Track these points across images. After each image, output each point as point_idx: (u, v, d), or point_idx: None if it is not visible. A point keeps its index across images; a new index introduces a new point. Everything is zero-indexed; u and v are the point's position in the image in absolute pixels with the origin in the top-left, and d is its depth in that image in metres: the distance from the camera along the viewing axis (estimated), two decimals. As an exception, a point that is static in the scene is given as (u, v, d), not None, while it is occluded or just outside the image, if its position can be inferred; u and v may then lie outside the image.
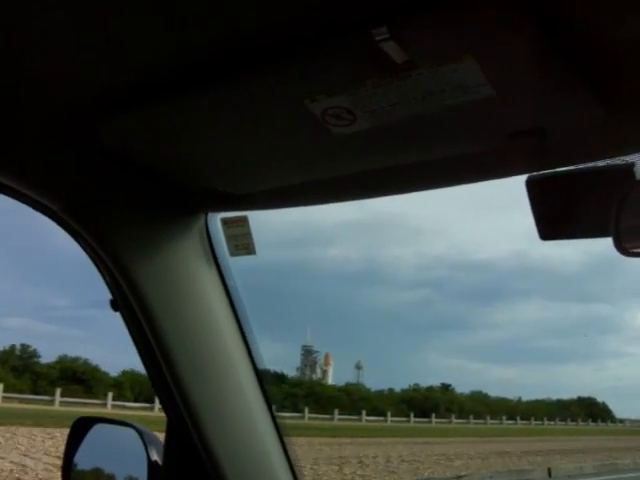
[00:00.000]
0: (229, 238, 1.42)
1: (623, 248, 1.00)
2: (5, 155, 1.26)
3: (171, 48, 0.99)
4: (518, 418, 58.32)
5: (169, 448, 1.57)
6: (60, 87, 1.12)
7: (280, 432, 1.60)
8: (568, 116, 0.98)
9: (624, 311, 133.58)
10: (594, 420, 66.46)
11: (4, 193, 1.33)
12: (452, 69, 0.88)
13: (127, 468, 1.67)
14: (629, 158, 1.04)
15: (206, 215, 1.45)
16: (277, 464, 1.59)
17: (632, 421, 71.69)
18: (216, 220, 1.44)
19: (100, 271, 1.45)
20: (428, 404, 56.81)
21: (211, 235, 1.46)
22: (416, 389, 65.12)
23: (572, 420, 63.80)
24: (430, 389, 65.81)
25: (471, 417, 55.89)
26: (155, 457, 1.58)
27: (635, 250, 1.01)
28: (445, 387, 67.76)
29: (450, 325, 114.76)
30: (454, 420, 54.34)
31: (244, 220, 1.41)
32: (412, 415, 52.46)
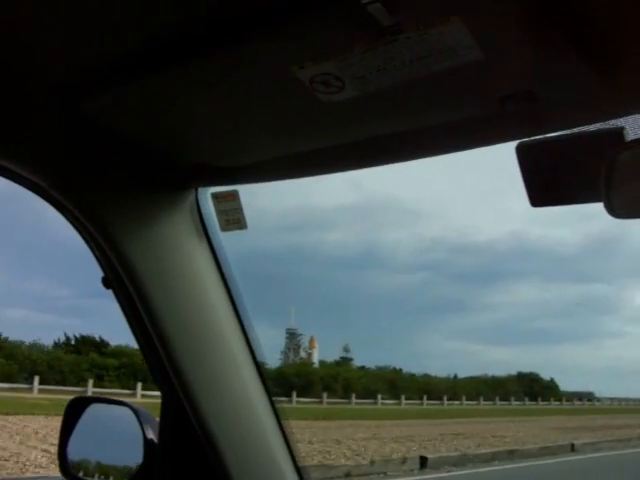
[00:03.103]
0: (220, 213, 1.42)
1: (615, 211, 0.99)
2: None
3: (155, 19, 0.98)
4: (403, 397, 48.12)
5: (164, 426, 1.58)
6: (45, 62, 1.11)
7: (276, 409, 1.61)
8: (557, 79, 0.97)
9: (622, 291, 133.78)
10: (534, 399, 59.67)
11: None
12: (439, 32, 0.87)
13: (123, 447, 1.68)
14: (619, 122, 1.04)
15: (196, 190, 1.44)
16: (274, 442, 1.59)
17: (612, 399, 69.62)
18: (207, 195, 1.44)
19: (91, 248, 1.44)
20: (295, 381, 45.03)
21: (202, 210, 1.46)
22: (304, 363, 57.70)
23: (502, 399, 55.87)
24: (323, 364, 58.85)
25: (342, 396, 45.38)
26: (151, 435, 1.59)
27: (627, 212, 1.00)
28: (344, 361, 61.79)
29: (450, 307, 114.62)
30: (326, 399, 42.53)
31: (234, 195, 1.41)
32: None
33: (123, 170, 1.34)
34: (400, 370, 61.21)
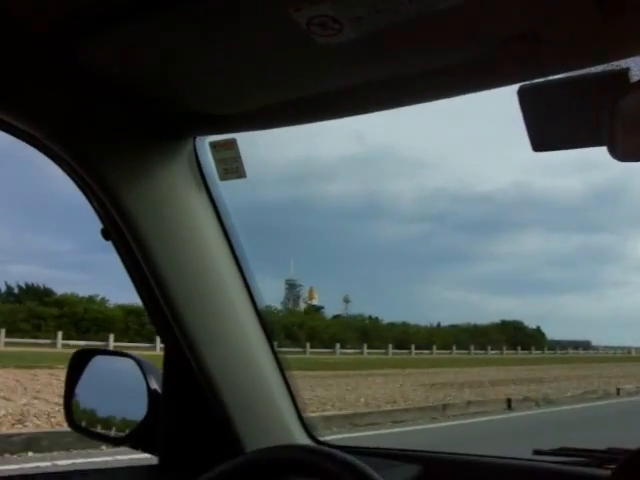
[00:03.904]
0: (218, 162, 1.40)
1: (618, 154, 0.98)
2: None
3: None
4: (365, 347, 45.58)
5: (168, 377, 1.59)
6: (38, 10, 1.08)
7: (278, 358, 1.62)
8: (561, 19, 0.94)
9: (626, 240, 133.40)
10: (514, 347, 57.39)
11: None
12: None
13: (128, 397, 1.69)
14: (624, 62, 1.01)
15: (194, 139, 1.42)
16: (277, 391, 1.61)
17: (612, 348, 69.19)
18: (205, 144, 1.42)
19: (89, 200, 1.43)
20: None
21: (200, 160, 1.44)
22: (268, 312, 53.80)
23: (479, 348, 53.34)
24: (292, 313, 56.26)
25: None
26: (154, 385, 1.60)
27: (631, 155, 0.99)
28: (313, 309, 58.84)
29: (452, 258, 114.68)
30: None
31: (233, 143, 1.39)
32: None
33: (120, 120, 1.32)
34: (376, 319, 59.76)
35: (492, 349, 55.43)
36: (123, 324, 40.74)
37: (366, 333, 51.95)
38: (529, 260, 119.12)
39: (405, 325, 58.92)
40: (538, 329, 67.96)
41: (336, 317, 60.74)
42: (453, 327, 62.66)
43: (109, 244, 1.49)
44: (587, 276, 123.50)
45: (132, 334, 37.92)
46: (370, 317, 60.87)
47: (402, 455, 1.58)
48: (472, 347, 53.99)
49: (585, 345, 71.11)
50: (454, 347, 52.97)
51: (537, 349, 60.60)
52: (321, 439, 1.72)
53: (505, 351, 56.28)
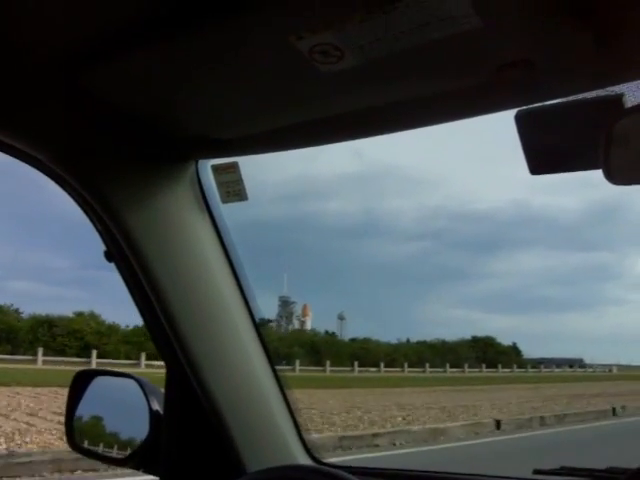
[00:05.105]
0: (220, 185, 1.42)
1: (613, 178, 1.00)
2: None
3: None
4: (297, 363, 42.58)
5: (169, 397, 1.60)
6: (42, 35, 1.10)
7: (279, 378, 1.63)
8: (556, 47, 0.97)
9: (624, 258, 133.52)
10: (480, 366, 53.42)
11: None
12: (439, 0, 0.87)
13: (130, 418, 1.70)
14: (618, 88, 1.03)
15: (196, 163, 1.44)
16: (278, 410, 1.61)
17: (603, 366, 67.37)
18: (207, 167, 1.44)
19: (92, 221, 1.45)
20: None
21: (202, 183, 1.46)
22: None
23: (435, 366, 50.01)
24: None
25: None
26: (156, 406, 1.60)
27: (625, 179, 1.01)
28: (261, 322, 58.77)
29: (451, 276, 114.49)
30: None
31: (234, 166, 1.41)
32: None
33: (123, 143, 1.34)
34: (332, 334, 58.04)
35: (452, 367, 52.19)
36: (30, 335, 39.59)
37: (316, 349, 49.31)
38: (529, 278, 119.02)
39: (366, 341, 56.13)
40: (514, 346, 64.61)
41: (292, 332, 59.33)
42: (420, 343, 59.71)
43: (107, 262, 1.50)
44: (586, 294, 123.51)
45: (39, 346, 36.69)
46: (327, 332, 59.75)
47: (403, 475, 1.58)
48: (427, 365, 51.12)
49: (577, 363, 69.79)
50: (406, 365, 50.14)
51: (505, 367, 56.77)
52: (322, 460, 1.72)
53: (467, 369, 52.85)
